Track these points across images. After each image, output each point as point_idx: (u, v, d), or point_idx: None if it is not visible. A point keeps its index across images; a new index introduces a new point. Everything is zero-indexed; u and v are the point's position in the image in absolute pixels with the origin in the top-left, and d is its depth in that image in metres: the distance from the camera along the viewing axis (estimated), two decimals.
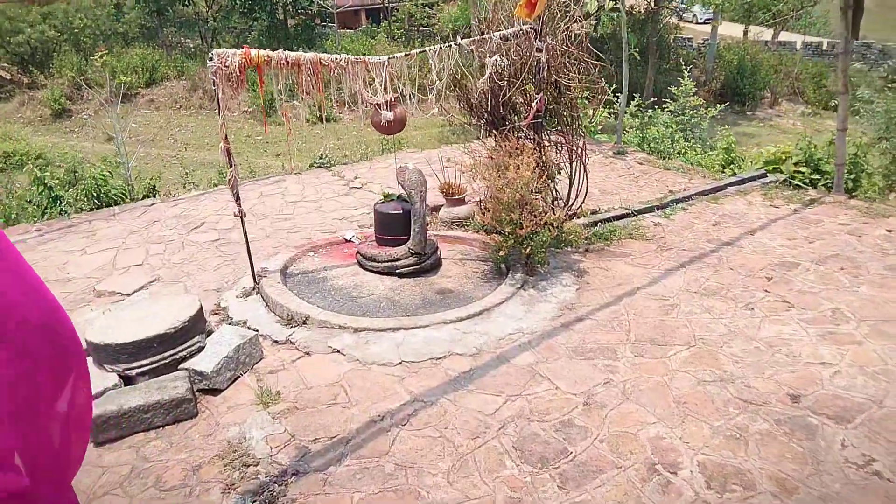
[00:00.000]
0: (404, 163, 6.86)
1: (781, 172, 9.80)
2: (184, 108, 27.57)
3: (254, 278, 6.90)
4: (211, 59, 6.13)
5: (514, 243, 6.71)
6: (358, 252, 7.13)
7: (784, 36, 38.63)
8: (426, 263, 6.90)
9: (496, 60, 7.09)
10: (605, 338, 5.76)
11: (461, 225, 8.40)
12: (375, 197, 10.21)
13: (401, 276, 6.88)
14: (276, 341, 5.94)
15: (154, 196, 11.60)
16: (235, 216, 6.73)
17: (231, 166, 6.56)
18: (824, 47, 36.08)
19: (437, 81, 6.56)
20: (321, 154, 12.07)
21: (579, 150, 7.15)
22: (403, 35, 36.91)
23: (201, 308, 5.74)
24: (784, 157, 9.87)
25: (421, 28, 37.15)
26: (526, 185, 6.39)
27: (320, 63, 6.41)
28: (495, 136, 7.27)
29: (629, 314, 6.14)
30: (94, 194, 10.78)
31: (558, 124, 7.19)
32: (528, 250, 6.67)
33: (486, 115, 7.19)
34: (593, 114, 7.07)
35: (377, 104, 6.53)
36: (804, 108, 32.53)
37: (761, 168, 10.12)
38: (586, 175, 7.43)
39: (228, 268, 7.78)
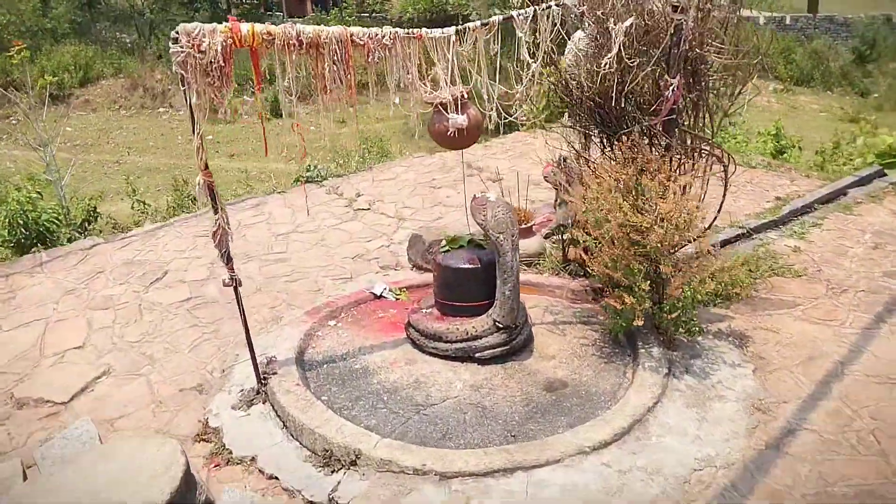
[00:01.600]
0: (481, 191, 4.55)
1: None
2: (124, 109, 24.60)
3: (258, 378, 4.49)
4: (175, 40, 3.71)
5: (655, 306, 4.45)
6: (411, 325, 4.76)
7: (746, 12, 37.13)
8: (518, 341, 4.58)
9: (582, 37, 4.80)
10: (852, 470, 3.56)
11: (530, 264, 6.10)
12: (390, 222, 7.87)
13: (482, 361, 4.55)
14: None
15: (94, 222, 8.99)
16: (226, 285, 4.31)
17: (216, 211, 4.13)
18: (787, 21, 34.85)
19: (530, 63, 4.22)
20: (308, 165, 9.61)
21: (724, 158, 4.90)
22: (356, 23, 34.28)
23: (187, 467, 3.34)
24: None
25: (374, 14, 34.60)
26: (686, 223, 4.13)
27: (351, 41, 4.01)
28: (602, 141, 4.98)
29: (860, 415, 3.95)
30: (20, 222, 8.12)
31: (691, 122, 4.92)
32: (673, 315, 4.41)
33: (594, 112, 4.87)
34: (731, 104, 4.84)
35: (440, 104, 4.18)
36: (776, 84, 31.07)
37: (873, 162, 8.06)
38: (724, 193, 5.17)
39: (210, 345, 5.35)
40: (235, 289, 4.32)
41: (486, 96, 4.28)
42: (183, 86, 3.81)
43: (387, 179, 9.46)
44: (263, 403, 4.42)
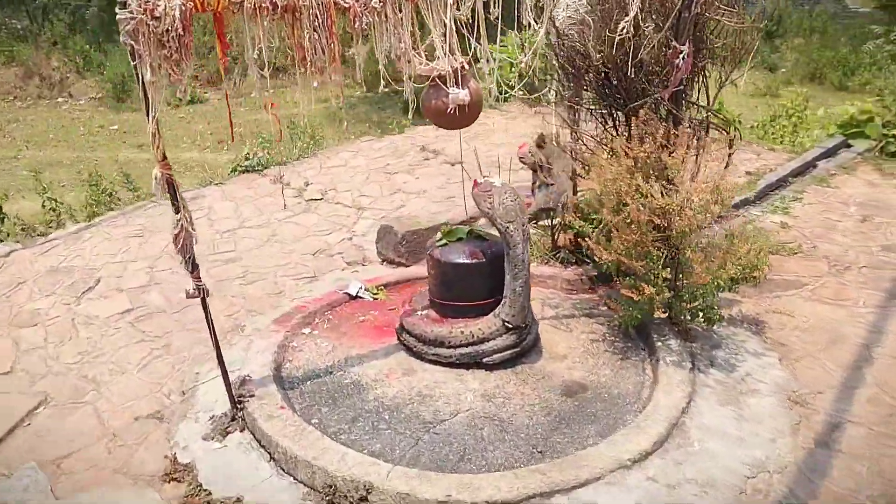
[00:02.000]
0: (485, 176, 4.03)
1: (868, 137, 7.71)
2: (19, 100, 22.61)
3: (232, 402, 3.86)
4: (123, 4, 3.03)
5: (675, 296, 4.07)
6: (405, 330, 4.22)
7: None
8: (528, 341, 4.12)
9: None
10: None
11: None
12: (348, 213, 7.21)
13: (490, 366, 4.07)
14: None
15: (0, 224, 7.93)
16: (190, 296, 3.65)
17: (178, 210, 3.46)
18: None
19: (535, 26, 3.72)
20: (247, 153, 8.78)
21: (730, 133, 4.56)
22: None
23: None
24: (866, 119, 7.78)
25: None
26: (718, 202, 3.75)
27: (334, 4, 3.40)
28: (609, 116, 4.55)
29: None
30: None
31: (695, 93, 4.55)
32: (694, 304, 4.04)
33: (601, 84, 4.42)
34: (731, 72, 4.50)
35: (437, 77, 3.63)
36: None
37: (834, 133, 8.01)
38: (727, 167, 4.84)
39: (162, 363, 4.66)
40: (203, 301, 3.67)
41: (486, 68, 3.74)
42: (133, 60, 3.13)
43: (336, 166, 8.78)
44: (241, 431, 3.80)
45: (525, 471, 3.29)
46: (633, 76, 4.14)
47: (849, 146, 7.71)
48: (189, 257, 3.59)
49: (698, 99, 4.70)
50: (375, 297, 5.16)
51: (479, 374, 4.06)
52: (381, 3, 3.48)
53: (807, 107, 10.06)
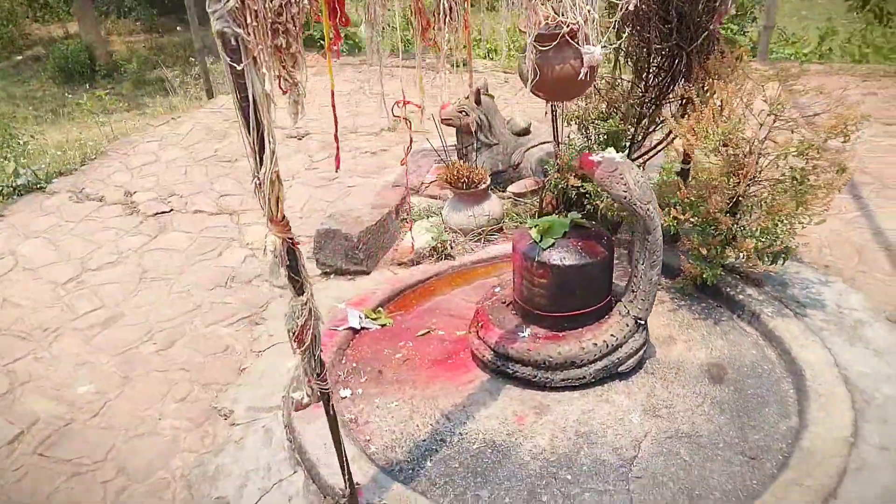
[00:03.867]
0: (595, 150, 3.19)
1: None
2: None
3: None
4: None
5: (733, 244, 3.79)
6: (512, 359, 3.35)
7: None
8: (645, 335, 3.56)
9: None
10: None
11: (500, 229, 4.91)
12: (221, 223, 5.55)
13: (624, 375, 3.43)
14: None
15: None
16: (302, 407, 2.44)
17: (300, 292, 2.19)
18: None
19: None
20: (14, 168, 6.34)
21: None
22: None
23: None
24: None
25: None
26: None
27: None
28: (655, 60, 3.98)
29: None
30: None
31: None
32: (754, 245, 3.74)
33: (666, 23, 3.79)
34: None
35: (569, 32, 2.75)
36: None
37: None
38: None
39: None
40: (327, 404, 2.45)
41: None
42: (232, 58, 1.79)
43: (148, 164, 6.87)
44: None
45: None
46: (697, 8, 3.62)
47: None
48: (317, 356, 2.33)
49: None
50: (381, 323, 4.10)
51: (617, 387, 3.41)
52: None
53: None
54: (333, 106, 2.33)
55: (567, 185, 4.56)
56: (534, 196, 5.08)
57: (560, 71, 2.83)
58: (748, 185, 3.66)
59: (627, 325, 3.35)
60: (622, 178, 3.07)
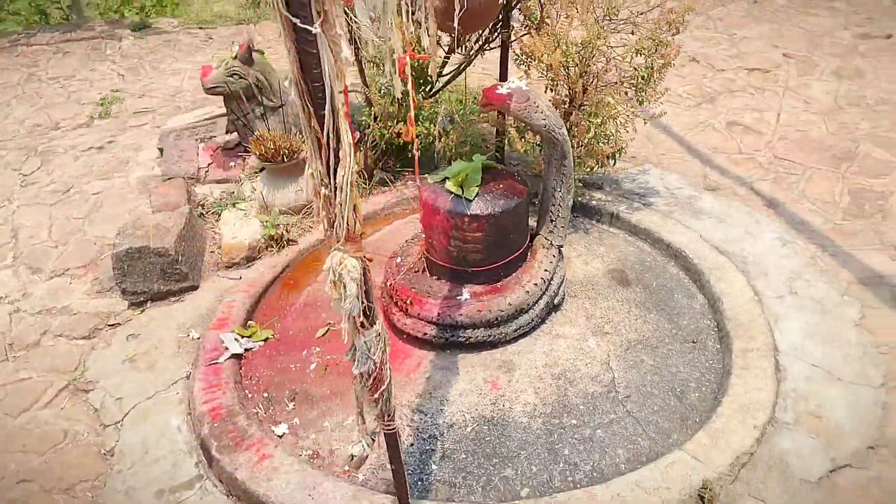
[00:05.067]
0: (499, 82, 2.84)
1: None
2: None
3: None
4: None
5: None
6: (466, 327, 3.09)
7: None
8: None
9: None
10: None
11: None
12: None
13: (557, 307, 3.40)
14: None
15: None
16: (356, 467, 2.02)
17: (373, 323, 1.73)
18: None
19: None
20: None
21: None
22: None
23: None
24: None
25: None
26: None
27: None
28: None
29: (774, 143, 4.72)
30: None
31: None
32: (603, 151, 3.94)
33: None
34: None
35: None
36: None
37: None
38: None
39: None
40: (397, 446, 1.99)
41: None
42: (305, 24, 1.27)
43: None
44: None
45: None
46: None
47: None
48: (387, 399, 1.84)
49: None
50: (263, 338, 3.45)
51: (559, 319, 3.37)
52: None
53: None
54: None
55: (390, 134, 4.28)
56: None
57: None
58: (588, 85, 3.72)
59: (554, 256, 3.29)
60: (538, 107, 2.92)
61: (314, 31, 1.23)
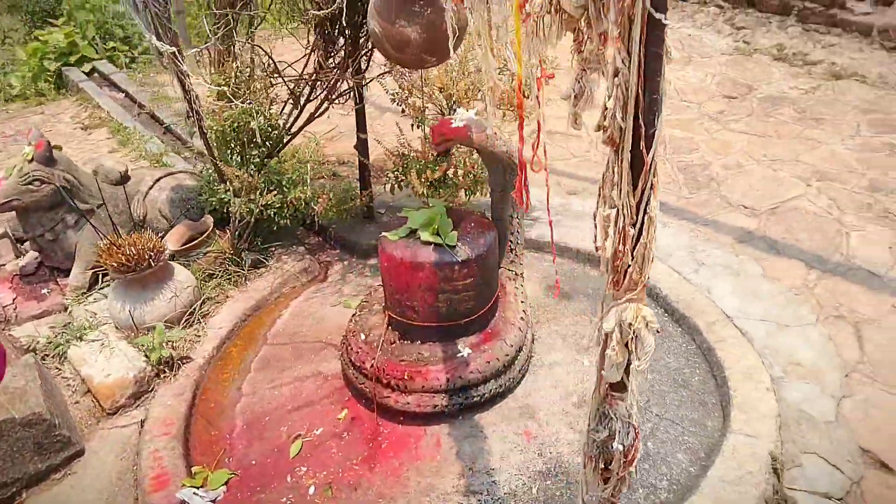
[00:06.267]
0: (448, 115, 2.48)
1: None
2: None
3: None
4: None
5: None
6: (463, 389, 2.77)
7: None
8: None
9: None
10: None
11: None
12: None
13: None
14: None
15: None
16: None
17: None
18: None
19: None
20: None
21: None
22: None
23: None
24: None
25: None
26: None
27: None
28: None
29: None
30: None
31: None
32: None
33: None
34: None
35: None
36: None
37: None
38: None
39: None
40: None
41: None
42: None
43: None
44: None
45: None
46: None
47: None
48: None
49: None
50: (223, 482, 2.75)
51: (541, 345, 3.19)
52: None
53: None
54: None
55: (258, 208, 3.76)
56: (205, 244, 3.93)
57: (424, 28, 2.29)
58: None
59: (521, 285, 3.14)
60: (497, 135, 2.76)
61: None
